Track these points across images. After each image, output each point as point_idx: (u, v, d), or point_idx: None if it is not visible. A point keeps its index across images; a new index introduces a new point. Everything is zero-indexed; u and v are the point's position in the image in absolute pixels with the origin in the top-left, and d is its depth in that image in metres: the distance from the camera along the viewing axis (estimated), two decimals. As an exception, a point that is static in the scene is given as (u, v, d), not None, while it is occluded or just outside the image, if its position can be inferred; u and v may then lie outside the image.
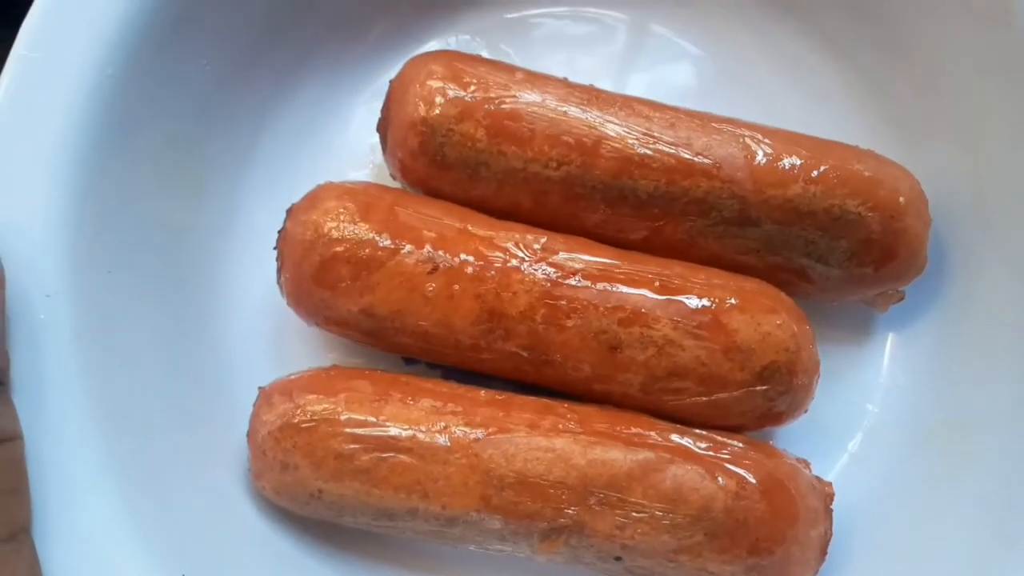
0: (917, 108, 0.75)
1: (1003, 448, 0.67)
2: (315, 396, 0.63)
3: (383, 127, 0.69)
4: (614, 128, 0.66)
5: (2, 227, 0.59)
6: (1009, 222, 0.70)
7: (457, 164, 0.66)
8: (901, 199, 0.67)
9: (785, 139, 0.68)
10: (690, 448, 0.62)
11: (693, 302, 0.63)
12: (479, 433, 0.62)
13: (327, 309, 0.65)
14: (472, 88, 0.66)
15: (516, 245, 0.64)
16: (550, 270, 0.64)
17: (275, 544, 0.67)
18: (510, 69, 0.68)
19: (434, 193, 0.68)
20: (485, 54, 0.76)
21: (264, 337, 0.73)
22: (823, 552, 0.64)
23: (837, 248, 0.67)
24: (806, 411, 0.66)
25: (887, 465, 0.73)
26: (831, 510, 0.64)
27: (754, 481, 0.61)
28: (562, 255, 0.64)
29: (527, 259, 0.64)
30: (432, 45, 0.79)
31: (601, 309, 0.63)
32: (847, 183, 0.66)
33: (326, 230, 0.64)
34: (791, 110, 0.77)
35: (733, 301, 0.63)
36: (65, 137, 0.61)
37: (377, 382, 0.64)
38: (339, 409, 0.62)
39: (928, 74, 0.74)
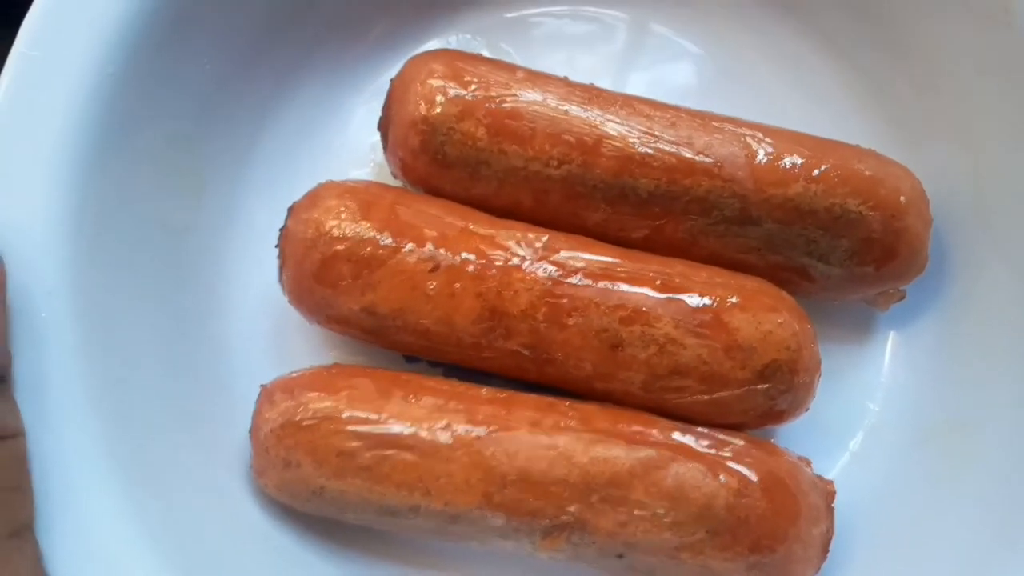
0: (917, 108, 0.75)
1: (1004, 447, 0.67)
2: (317, 394, 0.63)
3: (384, 126, 0.69)
4: (615, 127, 0.66)
5: (3, 225, 0.58)
6: (1010, 221, 0.70)
7: (458, 163, 0.66)
8: (902, 198, 0.67)
9: (786, 138, 0.68)
10: (692, 446, 0.62)
11: (694, 300, 0.63)
12: (481, 431, 0.62)
13: (328, 307, 0.65)
14: (473, 87, 0.66)
15: (517, 243, 0.64)
16: (551, 268, 0.64)
17: (277, 540, 0.67)
18: (511, 68, 0.68)
19: (435, 192, 0.68)
20: (485, 53, 0.76)
21: (265, 335, 0.73)
22: (825, 550, 0.64)
23: (838, 247, 0.67)
24: (807, 410, 0.66)
25: (888, 464, 0.73)
26: (832, 508, 0.64)
27: (755, 479, 0.61)
28: (563, 253, 0.64)
29: (528, 257, 0.64)
30: (432, 44, 0.79)
31: (602, 307, 0.63)
32: (848, 182, 0.66)
33: (327, 228, 0.64)
34: (791, 110, 0.77)
35: (734, 300, 0.63)
36: (65, 136, 0.61)
37: (379, 380, 0.64)
38: (341, 407, 0.62)
39: (928, 74, 0.74)
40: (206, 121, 0.72)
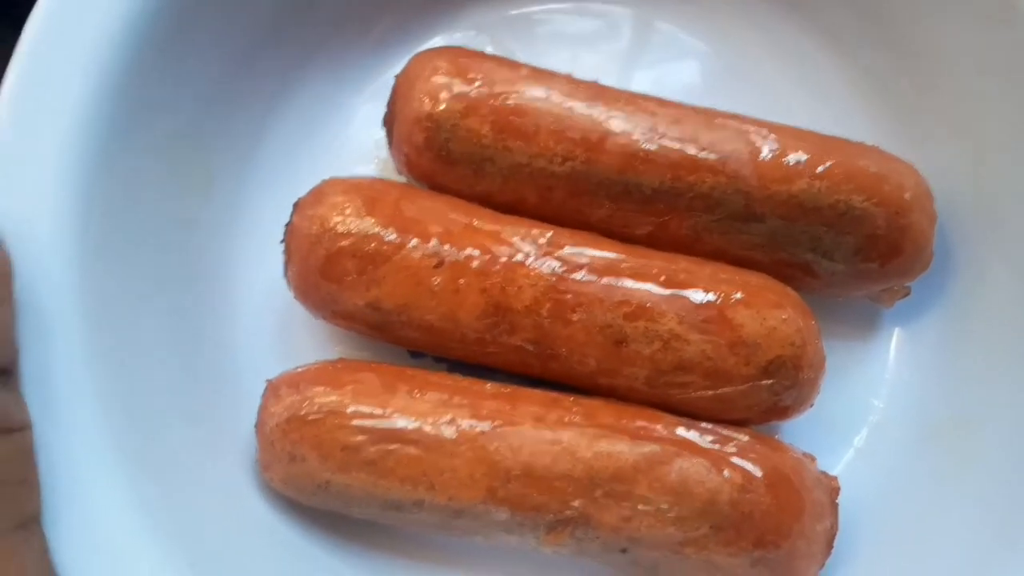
0: (921, 105, 0.75)
1: (1008, 444, 0.67)
2: (322, 388, 0.63)
3: (389, 122, 0.70)
4: (619, 124, 0.66)
5: (10, 220, 0.59)
6: (1014, 218, 0.70)
7: (462, 159, 0.66)
8: (907, 195, 0.67)
9: (790, 135, 0.68)
10: (696, 442, 0.62)
11: (698, 296, 0.63)
12: (485, 426, 0.62)
13: (334, 303, 0.65)
14: (477, 84, 0.66)
15: (522, 239, 0.65)
16: (555, 264, 0.64)
17: (282, 534, 0.67)
18: (515, 65, 0.68)
19: (440, 188, 0.68)
20: (489, 50, 0.75)
21: (271, 330, 0.73)
22: (829, 546, 0.64)
23: (842, 243, 0.67)
24: (812, 406, 0.66)
25: (892, 460, 0.73)
26: (837, 504, 0.64)
27: (760, 475, 0.61)
28: (567, 249, 0.64)
29: (532, 253, 0.64)
30: (436, 41, 0.79)
31: (607, 303, 0.63)
32: (852, 179, 0.66)
33: (332, 224, 0.64)
34: (796, 107, 0.76)
35: (739, 296, 0.63)
36: (72, 132, 0.61)
37: (384, 375, 0.64)
38: (346, 401, 0.62)
39: (932, 71, 0.74)
40: (211, 118, 0.72)
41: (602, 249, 0.65)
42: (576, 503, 0.61)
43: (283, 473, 0.64)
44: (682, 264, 0.65)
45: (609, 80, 0.70)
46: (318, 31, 0.76)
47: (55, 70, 0.61)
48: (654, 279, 0.64)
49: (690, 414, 0.64)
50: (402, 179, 0.71)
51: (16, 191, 0.60)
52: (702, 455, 0.62)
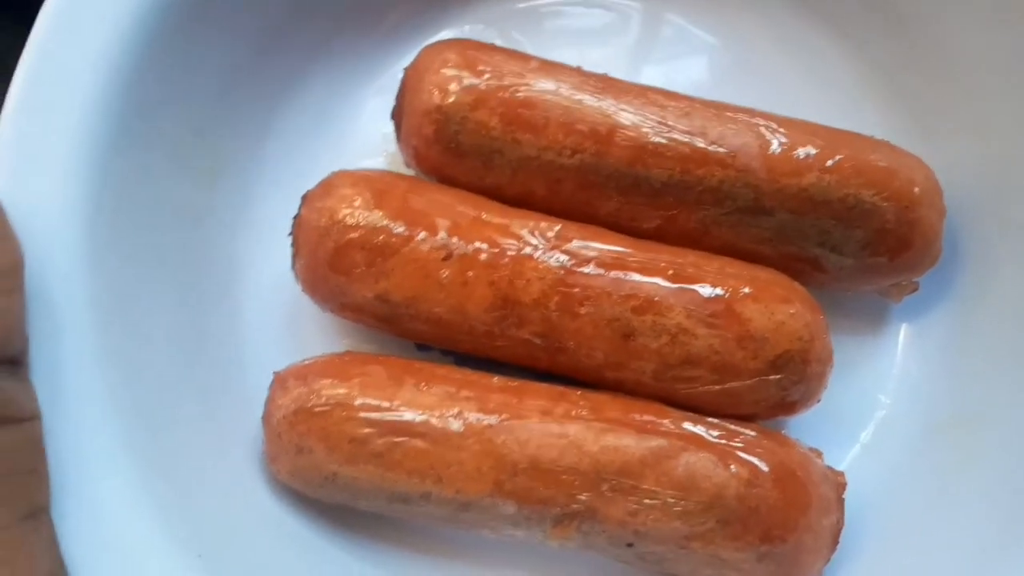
0: (931, 99, 0.75)
1: (1015, 441, 0.67)
2: (330, 381, 0.63)
3: (397, 115, 0.70)
4: (628, 117, 0.66)
5: (21, 210, 0.59)
6: (1023, 214, 0.70)
7: (471, 152, 0.66)
8: (916, 189, 0.67)
9: (800, 129, 0.68)
10: (703, 436, 0.62)
11: (707, 291, 0.63)
12: (492, 419, 0.62)
13: (342, 295, 0.65)
14: (487, 76, 0.66)
15: (530, 233, 0.64)
16: (564, 258, 0.64)
17: (289, 526, 0.68)
18: (524, 57, 0.68)
19: (448, 181, 0.68)
20: (498, 43, 0.75)
21: (279, 323, 0.73)
22: (835, 541, 0.64)
23: (851, 238, 0.67)
24: (819, 401, 0.66)
25: (899, 455, 0.73)
26: (843, 499, 0.64)
27: (766, 469, 0.61)
28: (576, 243, 0.64)
29: (541, 247, 0.64)
30: (445, 34, 0.79)
31: (614, 297, 0.63)
32: (862, 173, 0.66)
33: (341, 216, 0.64)
34: (805, 100, 0.76)
35: (747, 290, 0.63)
36: (83, 123, 0.61)
37: (391, 368, 0.64)
38: (353, 394, 0.62)
39: (941, 65, 0.73)
40: (221, 109, 0.72)
41: (610, 243, 0.65)
42: (583, 497, 0.61)
43: (290, 465, 0.64)
44: (690, 258, 0.65)
45: (618, 73, 0.70)
46: (327, 25, 0.76)
47: (66, 64, 0.61)
48: (662, 273, 0.64)
49: (697, 409, 0.64)
50: (410, 172, 0.70)
51: (27, 184, 0.60)
52: (709, 449, 0.62)
